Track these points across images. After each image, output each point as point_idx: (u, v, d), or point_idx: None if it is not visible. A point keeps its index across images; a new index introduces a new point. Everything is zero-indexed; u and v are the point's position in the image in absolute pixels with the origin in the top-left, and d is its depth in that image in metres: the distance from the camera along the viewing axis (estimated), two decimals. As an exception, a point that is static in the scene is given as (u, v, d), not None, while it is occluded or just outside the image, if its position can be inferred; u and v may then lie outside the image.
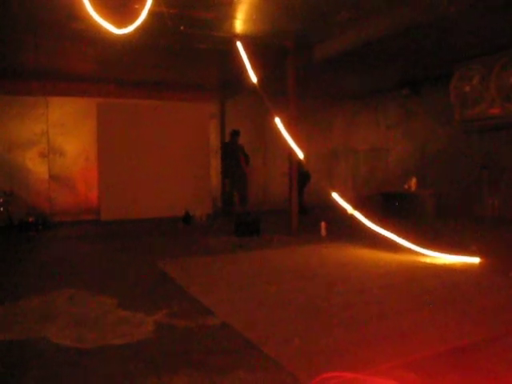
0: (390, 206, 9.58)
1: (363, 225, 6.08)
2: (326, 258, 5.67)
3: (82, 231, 8.52)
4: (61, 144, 9.75)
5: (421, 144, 10.31)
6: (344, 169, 12.73)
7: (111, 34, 4.96)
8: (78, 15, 5.30)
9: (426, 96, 10.05)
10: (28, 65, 8.39)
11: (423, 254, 5.53)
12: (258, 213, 9.26)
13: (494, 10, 5.87)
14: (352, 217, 6.18)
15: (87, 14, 4.63)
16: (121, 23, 4.81)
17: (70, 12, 5.41)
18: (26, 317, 3.44)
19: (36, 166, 9.55)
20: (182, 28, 6.21)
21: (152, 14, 5.04)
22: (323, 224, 7.35)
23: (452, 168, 9.43)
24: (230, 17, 6.04)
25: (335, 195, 6.42)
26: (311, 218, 8.96)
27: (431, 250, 5.56)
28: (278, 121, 6.87)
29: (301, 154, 6.93)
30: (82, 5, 4.56)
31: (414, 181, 9.32)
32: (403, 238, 5.76)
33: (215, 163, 11.12)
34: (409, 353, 2.67)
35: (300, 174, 9.64)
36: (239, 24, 6.34)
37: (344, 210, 6.32)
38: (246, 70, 6.87)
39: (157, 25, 5.81)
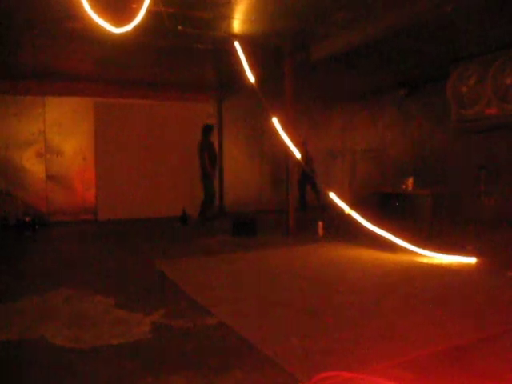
0: (387, 205, 9.59)
1: (360, 225, 6.08)
2: (323, 258, 5.68)
3: (79, 231, 8.50)
4: (58, 144, 9.72)
5: (418, 144, 10.33)
6: (341, 169, 12.75)
7: (109, 33, 4.95)
8: (75, 14, 5.29)
9: (423, 96, 10.07)
10: (25, 64, 8.36)
11: (420, 254, 5.55)
12: (256, 213, 9.26)
13: (491, 10, 5.89)
14: (349, 217, 6.19)
15: (85, 13, 4.62)
16: (118, 22, 4.80)
17: (67, 11, 5.40)
18: (23, 317, 3.44)
19: (33, 166, 9.52)
20: (179, 28, 6.20)
21: (150, 13, 5.03)
22: (320, 224, 7.36)
23: (449, 168, 9.46)
24: (228, 17, 6.03)
25: (332, 195, 6.43)
26: (308, 217, 8.96)
27: (428, 249, 5.58)
28: (275, 121, 6.87)
29: (298, 154, 6.94)
30: (79, 4, 4.55)
31: (410, 181, 9.33)
32: (400, 238, 5.77)
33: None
34: (406, 352, 2.68)
35: (302, 174, 9.59)
36: (237, 24, 6.33)
37: (341, 210, 6.33)
38: (244, 70, 6.87)
39: (154, 24, 5.80)
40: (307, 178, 10.34)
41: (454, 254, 5.41)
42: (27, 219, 8.53)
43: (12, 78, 9.12)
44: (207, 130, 8.94)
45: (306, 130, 11.50)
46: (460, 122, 8.54)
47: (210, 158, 8.79)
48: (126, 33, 4.95)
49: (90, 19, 4.69)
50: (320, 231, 7.32)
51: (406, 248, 5.68)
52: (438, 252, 5.52)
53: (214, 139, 10.51)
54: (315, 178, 10.34)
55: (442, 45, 7.37)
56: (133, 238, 7.63)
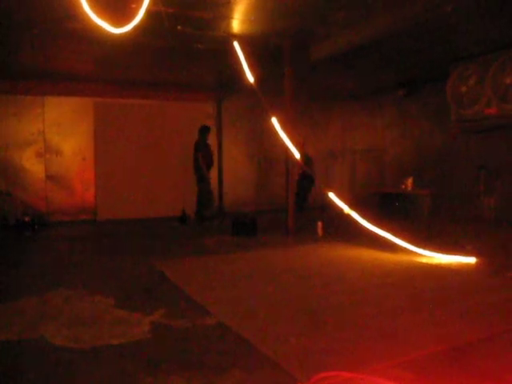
0: (387, 205, 9.59)
1: (360, 225, 6.08)
2: (322, 258, 5.68)
3: (78, 231, 8.50)
4: (57, 144, 9.72)
5: (417, 144, 10.34)
6: (341, 169, 12.74)
7: (108, 33, 4.95)
8: (75, 15, 5.29)
9: (423, 96, 10.08)
10: (25, 64, 8.36)
11: (419, 254, 5.55)
12: (255, 212, 9.26)
13: (491, 10, 5.89)
14: (349, 217, 6.19)
15: (84, 13, 4.62)
16: (118, 23, 4.80)
17: (67, 11, 5.40)
18: (22, 317, 3.44)
19: (33, 166, 9.52)
20: (179, 28, 6.20)
21: (149, 13, 5.03)
22: (320, 224, 7.35)
23: (449, 168, 9.46)
24: (227, 17, 6.03)
25: (332, 195, 6.43)
26: (308, 217, 8.96)
27: (427, 249, 5.58)
28: (274, 121, 6.87)
29: (297, 155, 6.94)
30: (79, 4, 4.55)
31: (410, 181, 9.33)
32: (399, 238, 5.77)
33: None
34: (405, 352, 2.68)
35: (304, 177, 9.61)
36: (236, 24, 6.33)
37: (341, 210, 6.33)
38: (243, 70, 6.87)
39: (154, 24, 5.80)
40: (306, 179, 10.32)
41: (453, 254, 5.41)
42: (27, 219, 8.52)
43: (12, 77, 9.12)
44: (203, 130, 8.98)
45: (305, 130, 11.49)
46: (460, 122, 8.54)
47: (204, 158, 8.79)
48: (126, 33, 4.95)
49: (90, 19, 4.69)
50: (320, 231, 7.32)
51: (405, 248, 5.68)
52: (437, 252, 5.52)
53: (214, 139, 10.54)
54: (314, 179, 10.32)
55: (441, 45, 7.37)
56: (132, 238, 7.63)
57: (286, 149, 7.04)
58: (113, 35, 5.11)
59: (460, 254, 5.40)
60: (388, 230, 5.87)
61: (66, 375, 2.48)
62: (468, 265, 5.13)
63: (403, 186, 9.05)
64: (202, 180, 8.92)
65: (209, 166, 9.00)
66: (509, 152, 8.30)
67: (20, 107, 9.38)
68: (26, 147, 9.46)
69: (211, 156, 9.21)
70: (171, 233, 8.14)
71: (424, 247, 5.63)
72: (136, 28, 4.94)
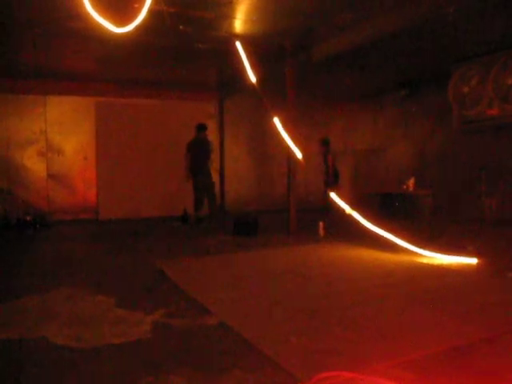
0: (388, 206, 9.58)
1: (361, 225, 6.08)
2: (323, 258, 5.68)
3: (79, 230, 8.51)
4: (59, 143, 9.73)
5: (419, 144, 10.33)
6: (342, 169, 12.72)
7: (110, 32, 4.95)
8: (77, 14, 5.30)
9: (425, 97, 10.07)
10: (27, 63, 8.37)
11: (421, 255, 5.55)
12: (256, 212, 9.26)
13: (493, 11, 5.89)
14: (350, 217, 6.18)
15: (86, 12, 4.63)
16: (120, 22, 4.80)
17: (69, 11, 5.41)
18: (23, 316, 3.44)
19: (34, 165, 9.54)
20: (181, 27, 6.21)
21: (151, 12, 5.03)
22: (321, 224, 7.35)
23: (450, 168, 9.45)
24: (229, 16, 6.04)
25: (333, 195, 6.43)
26: (309, 218, 8.95)
27: (429, 250, 5.57)
28: (276, 121, 6.87)
29: (299, 154, 6.94)
30: (81, 3, 4.56)
31: (412, 181, 9.31)
32: (401, 238, 5.77)
33: (214, 163, 11.10)
34: (406, 352, 2.67)
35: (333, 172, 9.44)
36: (238, 24, 6.34)
37: (342, 210, 6.33)
38: (245, 70, 6.88)
39: (156, 24, 5.81)
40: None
41: (454, 255, 5.41)
42: (28, 218, 8.54)
43: (14, 77, 9.14)
44: (199, 129, 8.80)
45: (306, 130, 11.47)
46: (461, 123, 8.54)
47: (194, 158, 8.56)
48: (128, 32, 4.95)
49: (92, 19, 4.70)
50: (321, 231, 7.32)
51: (406, 248, 5.68)
52: (438, 252, 5.52)
53: (215, 138, 10.54)
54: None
55: (443, 45, 7.37)
56: (133, 237, 7.63)
57: (288, 148, 7.04)
58: (115, 34, 5.11)
59: (461, 255, 5.39)
60: (389, 231, 5.87)
61: (67, 374, 2.48)
62: (469, 265, 5.12)
63: (405, 187, 9.03)
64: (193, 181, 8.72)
65: (197, 168, 8.62)
66: (510, 152, 8.29)
67: (22, 106, 9.40)
68: (27, 146, 9.48)
69: (205, 155, 8.84)
70: (172, 232, 8.15)
71: (425, 247, 5.63)
72: (138, 27, 4.94)
